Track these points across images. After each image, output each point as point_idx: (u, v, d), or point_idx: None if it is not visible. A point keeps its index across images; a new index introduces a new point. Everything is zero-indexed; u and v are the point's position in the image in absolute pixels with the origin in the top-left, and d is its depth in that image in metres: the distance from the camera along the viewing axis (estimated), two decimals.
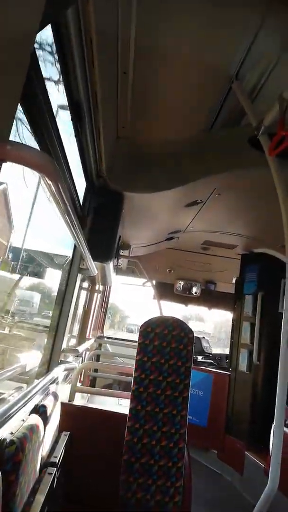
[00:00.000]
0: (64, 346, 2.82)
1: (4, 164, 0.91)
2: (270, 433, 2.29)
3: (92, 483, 2.34)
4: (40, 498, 1.50)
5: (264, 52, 1.94)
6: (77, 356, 3.32)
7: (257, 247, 4.68)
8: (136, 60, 2.04)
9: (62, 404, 2.34)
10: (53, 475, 1.69)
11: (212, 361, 6.19)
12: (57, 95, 1.78)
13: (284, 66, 2.01)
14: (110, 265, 3.15)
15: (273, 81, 2.13)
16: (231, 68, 2.08)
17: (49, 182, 1.11)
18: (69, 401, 2.61)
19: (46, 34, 1.42)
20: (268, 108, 2.02)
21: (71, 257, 2.92)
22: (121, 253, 4.53)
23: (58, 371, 2.41)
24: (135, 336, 2.55)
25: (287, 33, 1.81)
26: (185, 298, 6.69)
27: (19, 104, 0.98)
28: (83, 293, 4.29)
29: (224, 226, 4.25)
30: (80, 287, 3.54)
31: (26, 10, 0.93)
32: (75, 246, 2.77)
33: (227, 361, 5.65)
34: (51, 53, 1.58)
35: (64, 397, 2.60)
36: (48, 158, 1.02)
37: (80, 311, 4.38)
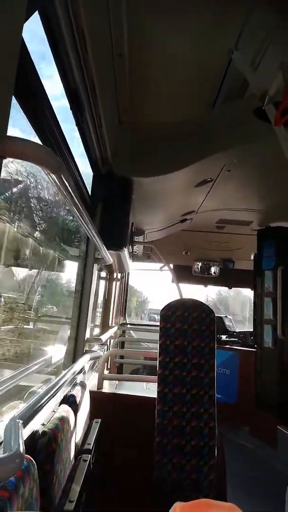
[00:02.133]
0: (87, 335, 2.86)
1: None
2: None
3: (126, 467, 2.39)
4: (78, 483, 1.55)
5: (265, 17, 1.85)
6: (102, 344, 3.36)
7: (273, 221, 4.59)
8: (131, 41, 1.99)
9: (91, 392, 2.38)
10: (88, 461, 1.74)
11: (236, 339, 6.17)
12: (53, 85, 1.76)
13: (285, 31, 1.91)
14: (125, 252, 3.14)
15: (274, 48, 2.04)
16: (230, 39, 2.00)
17: (52, 175, 1.10)
18: (98, 389, 2.66)
19: (34, 22, 1.39)
20: (272, 76, 1.94)
21: (85, 248, 2.92)
22: (135, 240, 4.52)
23: (84, 361, 2.45)
24: None
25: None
26: (204, 279, 6.65)
27: (13, 97, 0.96)
28: (102, 282, 4.32)
29: (237, 203, 4.18)
30: (98, 277, 3.56)
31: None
32: (88, 237, 2.78)
33: (252, 338, 5.63)
34: (42, 42, 1.55)
35: (92, 385, 2.65)
36: (48, 151, 1.01)
37: (100, 300, 4.42)
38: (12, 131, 0.94)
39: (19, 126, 1.49)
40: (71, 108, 1.98)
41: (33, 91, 1.42)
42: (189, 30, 1.98)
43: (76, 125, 2.16)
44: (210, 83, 2.40)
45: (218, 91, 2.46)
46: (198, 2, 1.80)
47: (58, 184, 1.17)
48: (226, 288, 7.61)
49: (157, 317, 2.85)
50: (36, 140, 1.59)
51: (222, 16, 1.87)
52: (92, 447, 1.92)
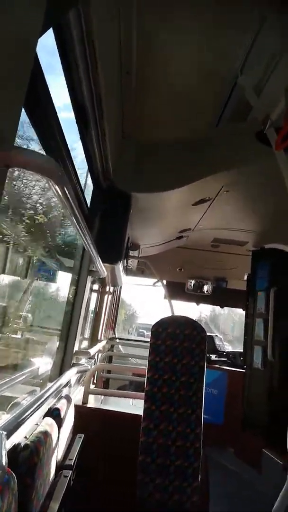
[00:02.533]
0: (76, 348, 2.82)
1: None
2: (287, 429, 2.26)
3: (108, 485, 2.33)
4: (57, 500, 1.51)
5: (269, 45, 1.91)
6: (89, 358, 3.32)
7: (268, 243, 4.62)
8: (139, 59, 2.03)
9: (76, 406, 2.34)
10: (68, 477, 1.69)
11: (226, 359, 6.14)
12: (61, 98, 1.78)
13: None
14: (120, 266, 3.14)
15: (279, 74, 2.09)
16: (236, 63, 2.06)
17: (55, 185, 1.11)
18: (83, 403, 2.62)
19: (47, 36, 1.42)
20: (274, 101, 1.99)
21: (80, 260, 2.92)
22: (130, 254, 4.52)
23: (71, 374, 2.41)
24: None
25: None
26: (196, 296, 6.64)
27: (22, 108, 0.98)
28: (94, 295, 4.29)
29: (233, 223, 4.21)
30: (91, 289, 3.54)
31: (28, 14, 0.92)
32: (84, 248, 2.77)
33: (241, 358, 5.60)
34: (53, 55, 1.58)
35: (77, 399, 2.60)
36: (53, 162, 1.02)
37: (91, 313, 4.38)
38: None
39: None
40: (76, 122, 2.00)
41: (42, 104, 1.44)
42: (197, 51, 2.03)
43: (80, 139, 2.19)
44: (215, 104, 2.44)
45: (222, 113, 2.51)
46: (207, 26, 1.85)
47: (60, 194, 1.18)
48: (218, 307, 7.61)
49: (147, 332, 2.80)
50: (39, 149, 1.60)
51: (230, 39, 1.92)
52: (74, 463, 1.88)
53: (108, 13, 1.65)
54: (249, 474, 4.19)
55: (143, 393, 2.38)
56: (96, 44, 1.61)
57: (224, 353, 6.56)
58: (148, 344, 2.47)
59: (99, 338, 4.42)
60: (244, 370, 4.81)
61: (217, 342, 6.85)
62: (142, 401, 2.37)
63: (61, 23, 1.44)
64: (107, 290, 4.56)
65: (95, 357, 4.04)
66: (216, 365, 5.55)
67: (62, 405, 1.88)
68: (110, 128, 2.27)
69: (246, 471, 4.26)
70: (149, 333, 2.54)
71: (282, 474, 2.84)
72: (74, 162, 2.09)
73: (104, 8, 1.55)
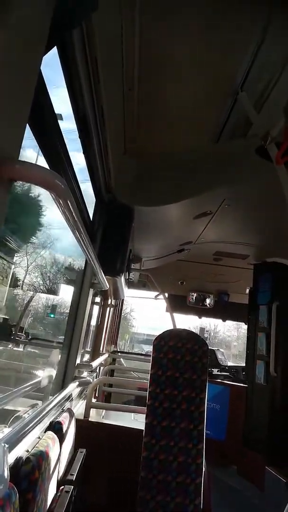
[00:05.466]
0: (78, 361, 2.81)
1: None
2: None
3: (109, 501, 2.29)
4: None
5: (269, 62, 1.96)
6: (91, 371, 3.30)
7: (269, 256, 4.63)
8: (141, 76, 2.08)
9: (78, 420, 2.32)
10: (70, 492, 1.67)
11: (228, 373, 6.09)
12: (64, 112, 1.82)
13: None
14: (122, 279, 3.14)
15: (279, 90, 2.14)
16: (236, 79, 2.10)
17: (58, 199, 1.13)
18: (85, 417, 2.59)
19: (51, 53, 1.46)
20: (274, 117, 2.03)
21: (82, 272, 2.93)
22: (132, 267, 4.52)
23: (73, 387, 2.40)
24: None
25: None
26: (198, 310, 6.62)
27: (27, 124, 1.00)
28: (96, 308, 4.28)
29: (235, 236, 4.23)
30: (93, 302, 3.54)
31: (32, 34, 0.96)
32: (86, 261, 2.79)
33: (244, 373, 5.54)
34: (57, 71, 1.62)
35: (79, 413, 2.58)
36: (56, 176, 1.04)
37: (93, 325, 4.37)
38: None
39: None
40: (79, 136, 2.05)
41: (45, 119, 1.48)
42: (198, 69, 2.07)
43: (83, 153, 2.23)
44: (216, 119, 2.48)
45: (223, 128, 2.55)
46: (209, 44, 1.90)
47: (63, 208, 1.20)
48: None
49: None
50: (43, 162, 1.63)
51: (230, 56, 1.96)
52: (76, 478, 1.86)
53: (111, 31, 1.70)
54: (252, 492, 4.11)
55: (145, 408, 2.35)
56: (99, 61, 1.66)
57: (226, 368, 6.51)
58: (150, 358, 2.46)
59: (101, 351, 4.40)
60: (246, 385, 4.76)
61: (219, 356, 6.80)
62: (144, 416, 2.34)
63: (65, 40, 1.49)
64: (109, 303, 4.55)
65: (97, 370, 4.01)
66: (218, 380, 5.49)
67: (64, 418, 1.87)
68: (112, 142, 2.32)
69: (249, 489, 4.17)
70: None
71: (285, 493, 2.79)
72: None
73: (107, 27, 1.60)
